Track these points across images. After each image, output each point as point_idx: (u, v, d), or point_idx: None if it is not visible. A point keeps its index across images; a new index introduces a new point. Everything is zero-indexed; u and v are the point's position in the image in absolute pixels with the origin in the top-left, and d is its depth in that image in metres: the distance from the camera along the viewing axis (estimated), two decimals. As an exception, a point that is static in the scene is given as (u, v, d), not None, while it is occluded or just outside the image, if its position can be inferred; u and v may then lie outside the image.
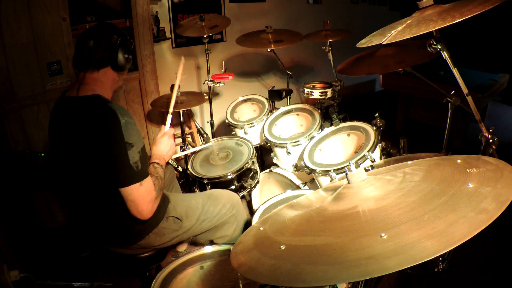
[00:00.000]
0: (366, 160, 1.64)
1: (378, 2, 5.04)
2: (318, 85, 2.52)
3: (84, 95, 1.33)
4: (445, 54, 1.15)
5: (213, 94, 2.83)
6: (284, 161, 2.13)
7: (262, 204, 1.77)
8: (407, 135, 1.75)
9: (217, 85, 2.63)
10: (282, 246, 0.77)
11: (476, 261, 2.07)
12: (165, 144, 1.58)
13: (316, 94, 2.40)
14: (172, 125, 1.72)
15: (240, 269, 0.77)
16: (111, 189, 1.35)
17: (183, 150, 2.41)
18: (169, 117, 1.68)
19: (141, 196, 1.29)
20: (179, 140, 2.63)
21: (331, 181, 1.67)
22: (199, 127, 2.63)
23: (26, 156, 2.04)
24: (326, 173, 1.68)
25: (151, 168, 1.45)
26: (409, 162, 0.99)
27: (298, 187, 2.08)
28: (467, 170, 0.77)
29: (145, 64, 2.84)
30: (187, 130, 3.10)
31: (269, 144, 2.20)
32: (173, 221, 1.55)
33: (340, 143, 1.96)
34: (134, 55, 2.79)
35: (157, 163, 1.49)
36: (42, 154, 2.08)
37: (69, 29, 2.29)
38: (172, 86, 2.36)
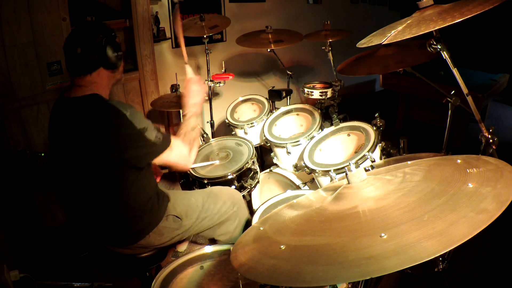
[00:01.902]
0: (366, 160, 1.64)
1: (378, 2, 5.04)
2: (318, 85, 2.52)
3: (82, 95, 1.32)
4: (445, 54, 1.15)
5: (213, 94, 2.83)
6: (284, 161, 2.13)
7: (262, 204, 1.76)
8: (407, 135, 1.75)
9: (217, 85, 2.63)
10: (282, 246, 0.77)
11: (476, 261, 2.07)
12: (196, 91, 1.63)
13: (316, 94, 2.40)
14: (172, 125, 1.73)
15: (240, 269, 0.78)
16: (111, 188, 1.35)
17: None
18: (187, 67, 1.69)
19: (177, 156, 1.43)
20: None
21: (331, 181, 1.67)
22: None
23: (26, 156, 2.04)
24: (326, 173, 1.68)
25: (181, 125, 1.53)
26: (409, 162, 0.99)
27: (298, 187, 2.08)
28: (467, 170, 0.77)
29: (145, 64, 2.84)
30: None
31: (269, 144, 2.20)
32: (173, 220, 1.55)
33: (340, 143, 1.96)
34: (134, 55, 2.80)
35: (192, 113, 1.57)
36: (42, 154, 2.08)
37: (69, 29, 2.29)
38: (172, 86, 2.36)
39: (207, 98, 2.56)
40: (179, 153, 1.44)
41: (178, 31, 1.73)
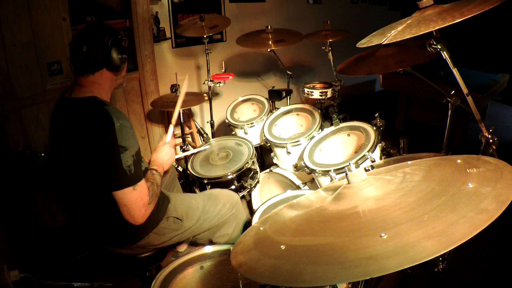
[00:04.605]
0: (366, 160, 1.64)
1: (378, 2, 5.04)
2: (318, 85, 2.52)
3: (81, 97, 1.32)
4: (445, 54, 1.15)
5: (213, 94, 2.83)
6: (284, 161, 2.13)
7: (262, 204, 1.77)
8: (407, 135, 1.75)
9: (217, 85, 2.63)
10: (282, 246, 0.77)
11: (476, 261, 2.07)
12: (165, 152, 1.57)
13: (316, 94, 2.40)
14: (172, 125, 1.73)
15: (240, 269, 0.78)
16: (107, 190, 1.35)
17: (183, 150, 2.41)
18: (171, 128, 1.68)
19: (134, 201, 1.27)
20: (179, 140, 2.63)
21: (331, 181, 1.67)
22: (199, 127, 2.64)
23: (26, 156, 2.04)
24: (326, 173, 1.68)
25: (148, 174, 1.44)
26: (409, 162, 0.99)
27: (298, 187, 2.08)
28: (467, 170, 0.77)
29: (145, 64, 2.84)
30: (187, 130, 3.10)
31: (269, 144, 2.20)
32: (173, 221, 1.55)
33: (340, 143, 1.96)
34: (134, 55, 2.80)
35: (156, 170, 1.48)
36: (42, 154, 2.08)
37: (69, 29, 2.29)
38: (172, 86, 2.36)
39: (207, 98, 2.55)
40: (138, 198, 1.28)
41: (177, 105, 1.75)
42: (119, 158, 1.23)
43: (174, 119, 1.71)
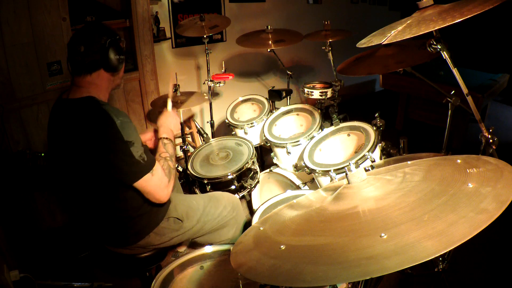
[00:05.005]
0: (366, 160, 1.64)
1: (378, 2, 5.04)
2: (318, 85, 2.52)
3: (78, 97, 1.32)
4: (445, 54, 1.15)
5: (213, 94, 2.83)
6: (284, 161, 2.13)
7: (262, 204, 1.77)
8: (407, 135, 1.75)
9: (217, 85, 2.63)
10: (282, 246, 0.77)
11: (476, 261, 2.07)
12: (172, 117, 1.62)
13: (316, 94, 2.40)
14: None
15: (240, 269, 0.78)
16: (111, 189, 1.35)
17: (183, 150, 2.41)
18: (169, 101, 1.72)
19: (156, 185, 1.33)
20: (179, 140, 2.63)
21: (331, 181, 1.67)
22: (199, 127, 2.64)
23: (26, 156, 2.04)
24: (326, 173, 1.68)
25: (160, 148, 1.47)
26: (409, 162, 0.99)
27: (298, 187, 2.08)
28: (467, 170, 0.77)
29: (145, 64, 2.84)
30: (187, 130, 3.11)
31: (269, 144, 2.20)
32: (173, 222, 1.55)
33: (340, 143, 1.96)
34: (134, 55, 2.80)
35: (166, 138, 1.51)
36: (42, 154, 2.08)
37: (69, 29, 2.29)
38: (174, 86, 2.36)
39: (207, 97, 2.55)
40: (159, 181, 1.33)
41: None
42: (130, 153, 1.26)
43: (170, 98, 1.75)
